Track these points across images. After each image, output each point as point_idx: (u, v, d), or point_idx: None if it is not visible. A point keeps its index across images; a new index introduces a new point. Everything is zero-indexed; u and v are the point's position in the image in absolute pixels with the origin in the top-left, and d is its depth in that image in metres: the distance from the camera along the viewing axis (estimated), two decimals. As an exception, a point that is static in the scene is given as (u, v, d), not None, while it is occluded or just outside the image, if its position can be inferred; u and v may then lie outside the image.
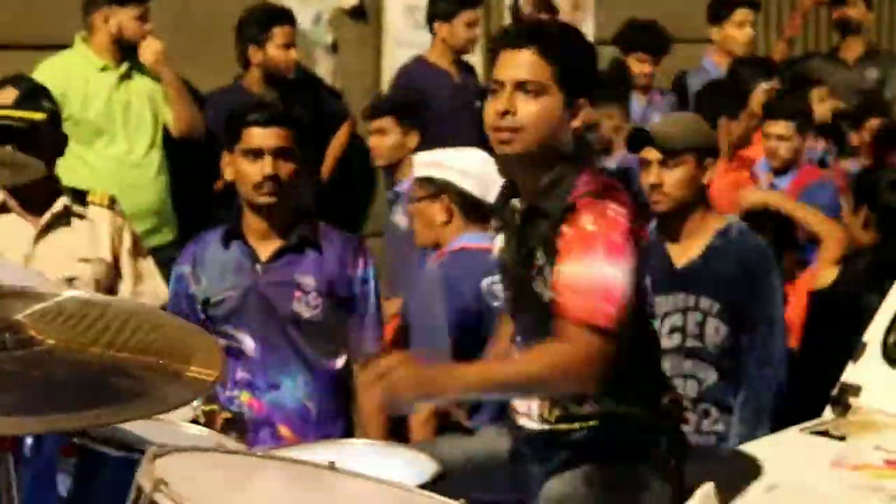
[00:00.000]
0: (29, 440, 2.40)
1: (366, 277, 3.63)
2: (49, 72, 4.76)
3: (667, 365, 3.35)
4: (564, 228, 2.62)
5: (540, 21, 2.94)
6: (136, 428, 2.38)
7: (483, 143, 3.15)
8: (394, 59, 6.62)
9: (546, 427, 2.79)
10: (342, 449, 2.79)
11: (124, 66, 5.06)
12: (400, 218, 4.83)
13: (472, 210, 3.78)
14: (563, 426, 2.77)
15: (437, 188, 3.80)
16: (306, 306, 3.53)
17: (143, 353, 1.92)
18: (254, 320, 3.53)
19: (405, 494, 2.17)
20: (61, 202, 3.70)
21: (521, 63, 2.71)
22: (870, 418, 3.11)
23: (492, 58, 2.83)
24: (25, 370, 1.81)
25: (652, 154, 3.63)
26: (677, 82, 6.26)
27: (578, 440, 2.75)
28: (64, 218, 3.71)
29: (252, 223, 3.55)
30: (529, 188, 2.75)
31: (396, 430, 3.64)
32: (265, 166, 3.47)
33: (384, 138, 5.01)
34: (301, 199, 3.83)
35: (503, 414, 2.99)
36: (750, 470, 3.03)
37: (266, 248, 3.56)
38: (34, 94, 3.74)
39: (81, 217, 3.73)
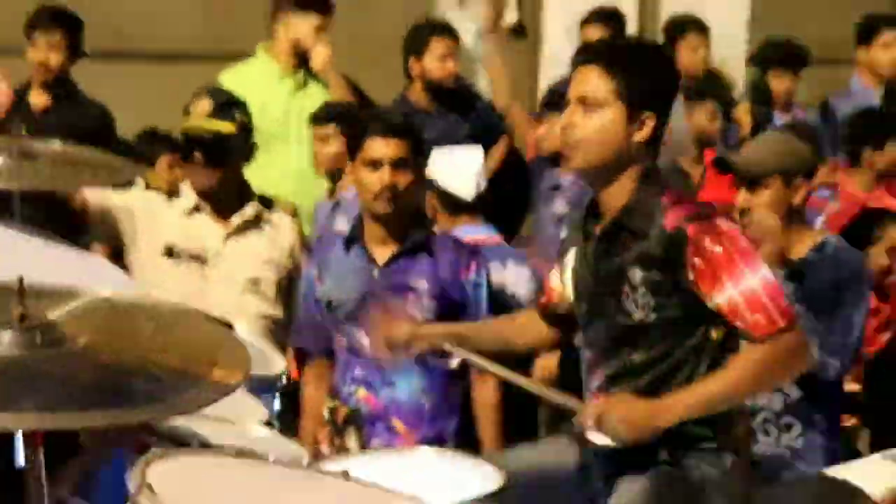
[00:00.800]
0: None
1: (478, 282, 3.61)
2: (231, 81, 4.86)
3: None
4: (696, 261, 2.58)
5: (613, 39, 2.84)
6: (203, 427, 2.36)
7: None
8: (550, 75, 6.55)
9: (611, 441, 2.67)
10: (413, 456, 2.73)
11: (300, 75, 5.14)
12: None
13: (454, 204, 3.86)
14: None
15: None
16: (419, 309, 3.48)
17: (169, 354, 1.89)
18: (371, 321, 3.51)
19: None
20: (252, 208, 3.86)
21: (583, 79, 2.65)
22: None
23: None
24: (54, 368, 1.78)
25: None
26: (824, 105, 5.97)
27: (644, 456, 2.63)
28: (253, 222, 3.86)
29: (370, 229, 3.55)
30: (610, 205, 2.65)
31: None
32: (383, 176, 3.44)
33: (326, 146, 4.72)
34: (419, 206, 3.80)
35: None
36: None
37: (383, 254, 3.55)
38: (226, 106, 3.86)
39: (268, 223, 3.88)
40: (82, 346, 1.80)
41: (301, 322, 3.69)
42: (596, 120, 2.61)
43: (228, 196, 3.84)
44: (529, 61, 6.97)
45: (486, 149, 5.32)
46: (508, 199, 5.68)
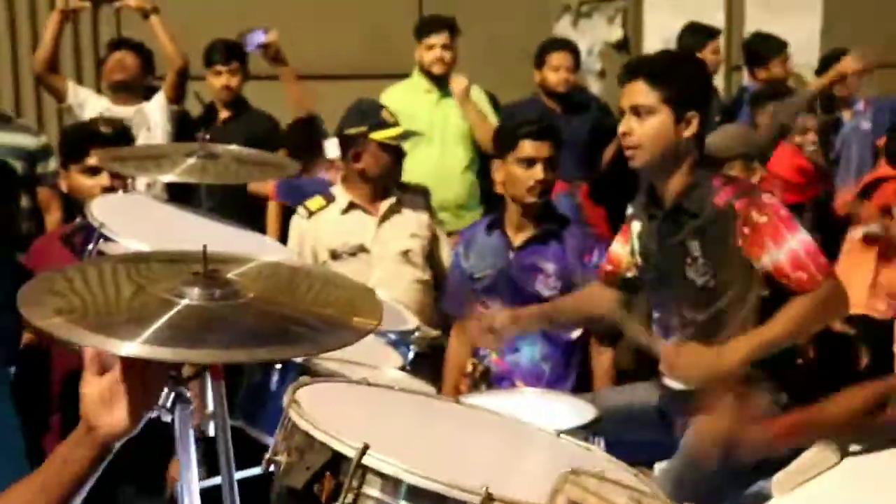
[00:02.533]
0: (275, 377, 2.59)
1: (598, 265, 3.63)
2: (389, 96, 5.12)
3: None
4: (745, 230, 2.69)
5: (650, 55, 2.95)
6: (349, 370, 2.54)
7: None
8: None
9: (686, 386, 2.80)
10: (516, 394, 2.88)
11: (441, 90, 5.27)
12: None
13: None
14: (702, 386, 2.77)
15: None
16: (546, 287, 3.63)
17: (318, 305, 2.08)
18: (504, 295, 3.67)
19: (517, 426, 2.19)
20: (394, 197, 4.09)
21: (633, 91, 2.78)
22: None
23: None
24: (230, 316, 1.95)
25: None
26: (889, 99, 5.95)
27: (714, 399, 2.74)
28: (396, 206, 4.07)
29: (511, 216, 3.69)
30: (670, 191, 2.78)
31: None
32: (537, 173, 3.60)
33: None
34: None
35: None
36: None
37: (519, 237, 3.68)
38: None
39: (406, 203, 4.12)
40: (252, 299, 1.97)
41: (449, 290, 3.90)
42: (649, 124, 2.75)
43: (377, 191, 4.08)
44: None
45: (603, 145, 5.50)
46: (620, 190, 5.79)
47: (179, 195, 4.00)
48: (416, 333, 3.03)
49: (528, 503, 1.66)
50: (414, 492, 1.74)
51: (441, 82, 5.27)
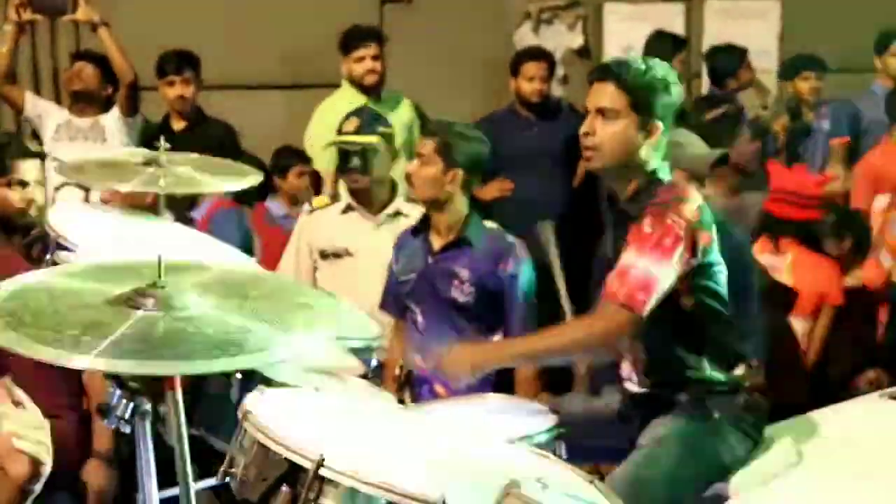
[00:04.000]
0: (236, 386, 2.56)
1: (514, 274, 3.65)
2: (324, 109, 5.11)
3: None
4: (632, 227, 2.65)
5: (621, 59, 2.91)
6: (308, 377, 2.51)
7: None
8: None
9: (644, 389, 2.82)
10: (480, 402, 2.88)
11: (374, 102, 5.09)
12: None
13: None
14: (656, 389, 2.80)
15: None
16: (461, 293, 3.61)
17: (275, 313, 2.07)
18: (423, 299, 3.67)
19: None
20: (395, 205, 4.06)
21: (601, 93, 2.75)
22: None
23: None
24: (185, 327, 1.92)
25: None
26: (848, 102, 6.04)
27: (670, 399, 2.77)
28: (394, 216, 4.03)
29: (436, 220, 3.68)
30: (621, 196, 2.78)
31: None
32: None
33: None
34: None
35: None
36: (827, 426, 2.95)
37: (438, 242, 3.68)
38: (371, 122, 4.08)
39: (406, 215, 4.02)
40: (208, 308, 1.96)
41: (386, 291, 3.82)
42: (613, 128, 2.73)
43: (378, 196, 4.08)
44: (592, 80, 7.03)
45: (578, 156, 5.46)
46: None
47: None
48: (378, 342, 3.02)
49: None
50: (370, 502, 1.75)
51: (373, 94, 5.15)
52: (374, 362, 2.92)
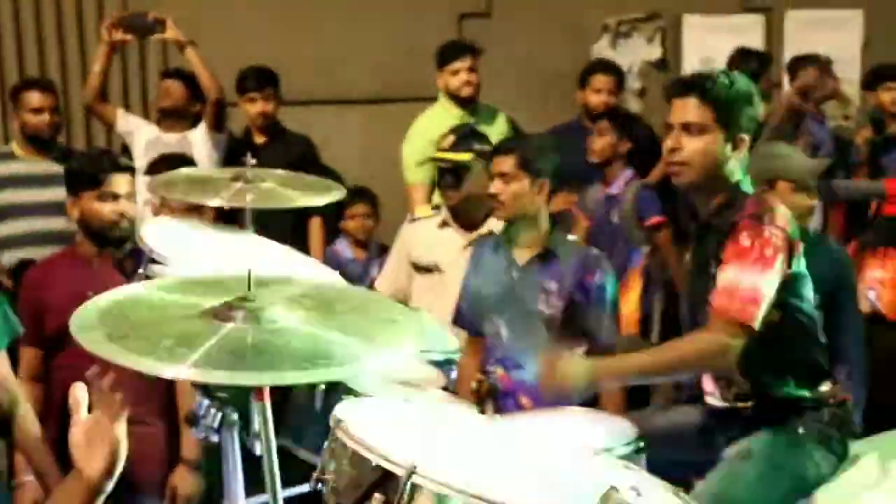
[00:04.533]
0: (320, 396, 2.59)
1: (602, 285, 3.65)
2: (421, 123, 5.15)
3: None
4: (728, 242, 2.63)
5: (702, 73, 2.88)
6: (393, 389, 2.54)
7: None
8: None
9: (726, 404, 2.80)
10: (561, 414, 2.87)
11: (472, 115, 5.17)
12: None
13: None
14: (739, 404, 2.77)
15: None
16: (547, 306, 3.61)
17: (360, 326, 2.10)
18: (508, 312, 3.65)
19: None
20: (489, 225, 3.98)
21: (685, 108, 2.73)
22: None
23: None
24: (273, 339, 1.96)
25: None
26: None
27: (752, 414, 2.74)
28: (488, 234, 3.95)
29: (518, 236, 3.68)
30: (705, 210, 2.77)
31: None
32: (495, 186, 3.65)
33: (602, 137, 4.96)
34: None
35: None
36: None
37: (522, 256, 3.67)
38: (466, 139, 4.08)
39: None
40: (295, 321, 2.00)
41: (462, 306, 3.80)
42: (700, 143, 2.72)
43: (470, 213, 4.04)
44: (672, 90, 6.99)
45: (649, 165, 5.40)
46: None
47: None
48: (457, 355, 3.04)
49: None
50: (459, 511, 1.75)
51: (469, 106, 5.20)
52: (453, 374, 2.94)
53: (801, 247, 2.74)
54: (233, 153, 4.97)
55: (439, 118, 5.07)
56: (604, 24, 6.97)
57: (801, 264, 2.73)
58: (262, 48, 5.80)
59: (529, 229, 3.66)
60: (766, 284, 2.60)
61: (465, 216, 4.04)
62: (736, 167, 2.76)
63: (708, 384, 2.86)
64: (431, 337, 2.97)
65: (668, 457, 2.76)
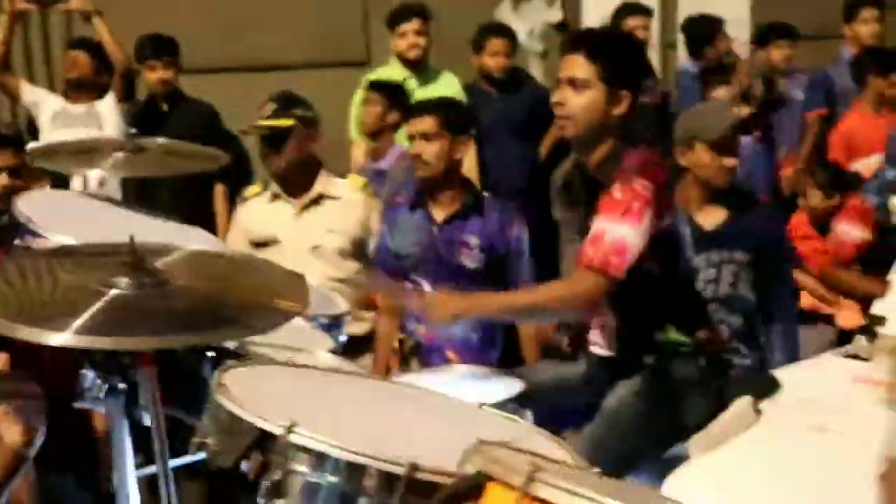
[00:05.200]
0: (208, 364, 2.54)
1: (520, 236, 3.70)
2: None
3: None
4: (603, 195, 2.66)
5: (591, 29, 2.91)
6: (279, 353, 2.51)
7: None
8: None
9: (611, 353, 2.85)
10: (451, 372, 2.90)
11: (419, 76, 5.18)
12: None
13: None
14: (623, 353, 2.82)
15: None
16: (471, 259, 3.63)
17: (244, 291, 2.11)
18: (430, 270, 3.65)
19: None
20: (316, 189, 3.86)
21: (572, 63, 2.75)
22: (892, 343, 2.97)
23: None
24: (158, 304, 1.98)
25: None
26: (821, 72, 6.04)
27: (632, 360, 2.79)
28: (316, 201, 3.86)
29: (435, 194, 3.67)
30: (591, 163, 2.80)
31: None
32: (413, 147, 3.66)
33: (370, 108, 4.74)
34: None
35: None
36: (784, 386, 2.95)
37: (441, 214, 3.68)
38: (286, 105, 3.86)
39: (335, 198, 3.86)
40: (179, 287, 2.00)
41: (377, 270, 3.78)
42: (583, 98, 2.74)
43: (297, 179, 3.87)
44: (573, 51, 7.01)
45: (542, 128, 5.36)
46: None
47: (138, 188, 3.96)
48: (346, 318, 3.03)
49: (448, 471, 1.69)
50: (341, 465, 1.76)
51: (418, 68, 5.20)
52: (342, 337, 2.93)
53: (674, 200, 2.78)
54: (138, 120, 4.88)
55: (388, 78, 5.04)
56: (505, -13, 6.96)
57: (676, 218, 2.78)
58: (169, 17, 5.69)
59: (449, 187, 3.67)
60: (632, 236, 2.63)
61: (292, 182, 3.90)
62: (615, 122, 2.78)
63: (594, 334, 2.90)
64: (316, 300, 2.97)
65: (558, 406, 2.82)
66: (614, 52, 2.79)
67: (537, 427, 2.25)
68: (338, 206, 3.87)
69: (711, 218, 3.56)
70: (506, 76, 5.46)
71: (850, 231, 4.87)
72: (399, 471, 1.71)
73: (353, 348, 3.50)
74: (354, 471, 1.74)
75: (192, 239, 2.71)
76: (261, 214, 3.94)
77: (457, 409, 2.15)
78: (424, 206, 3.71)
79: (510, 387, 2.71)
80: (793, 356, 3.50)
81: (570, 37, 2.83)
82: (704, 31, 6.05)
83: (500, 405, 2.60)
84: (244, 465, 1.83)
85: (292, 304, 2.09)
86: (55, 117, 5.06)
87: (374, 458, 1.74)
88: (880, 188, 5.10)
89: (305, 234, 3.81)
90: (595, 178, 2.78)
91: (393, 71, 5.20)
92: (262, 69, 6.14)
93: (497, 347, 3.74)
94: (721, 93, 5.25)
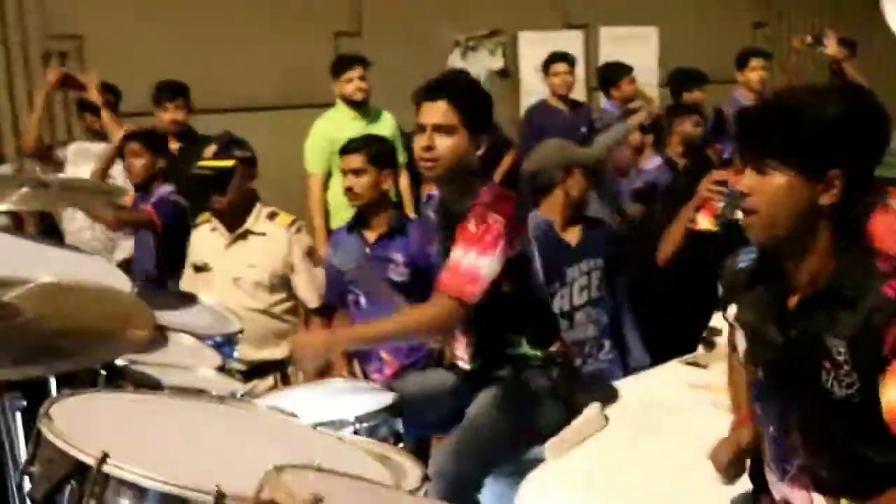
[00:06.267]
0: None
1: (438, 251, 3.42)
2: (321, 126, 4.83)
3: (581, 315, 3.16)
4: (460, 226, 2.39)
5: (449, 77, 2.61)
6: (160, 371, 2.20)
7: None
8: (526, 102, 6.42)
9: (473, 367, 2.54)
10: (326, 386, 2.59)
11: (364, 117, 4.92)
12: None
13: None
14: (483, 366, 2.53)
15: None
16: (397, 274, 3.39)
17: (92, 320, 1.80)
18: (365, 285, 3.43)
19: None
20: (246, 224, 3.52)
21: (435, 110, 2.45)
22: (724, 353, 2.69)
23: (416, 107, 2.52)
24: (4, 336, 1.70)
25: None
26: (717, 109, 5.70)
27: (494, 374, 2.50)
28: (242, 235, 3.51)
29: (368, 219, 3.46)
30: (451, 197, 2.50)
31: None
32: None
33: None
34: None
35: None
36: (631, 391, 2.71)
37: (372, 235, 3.46)
38: (227, 147, 3.46)
39: (260, 234, 3.51)
40: (27, 319, 1.73)
41: (327, 284, 3.55)
42: (450, 141, 2.44)
43: (234, 214, 3.51)
44: (513, 94, 6.78)
45: (497, 161, 5.15)
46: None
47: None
48: (238, 336, 2.72)
49: (250, 498, 1.40)
50: (151, 496, 1.47)
51: (362, 108, 4.92)
52: (236, 353, 2.63)
53: (526, 229, 2.50)
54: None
55: (337, 118, 4.87)
56: (455, 39, 6.72)
57: (527, 244, 2.48)
58: (174, 65, 5.33)
59: (378, 213, 3.45)
60: (486, 266, 2.35)
61: (230, 218, 3.55)
62: (475, 162, 2.48)
63: (459, 349, 2.60)
64: (213, 321, 2.67)
65: (426, 417, 2.52)
66: (473, 99, 2.50)
67: (384, 444, 1.96)
68: (261, 241, 3.52)
69: (573, 235, 3.31)
70: None
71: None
72: (208, 499, 1.42)
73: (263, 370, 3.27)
74: (166, 501, 1.45)
75: (86, 268, 2.35)
76: (203, 242, 3.62)
77: (290, 431, 1.83)
78: (359, 229, 3.49)
79: (381, 398, 2.39)
80: (645, 355, 3.24)
81: (430, 85, 2.51)
82: (612, 75, 5.76)
83: (372, 415, 2.31)
84: (58, 497, 1.53)
85: (138, 332, 1.78)
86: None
87: (183, 487, 1.44)
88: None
89: (231, 265, 3.49)
90: (455, 212, 2.47)
91: (340, 112, 4.93)
92: (234, 110, 5.85)
93: (423, 348, 3.39)
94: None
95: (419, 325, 2.39)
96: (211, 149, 3.47)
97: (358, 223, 3.51)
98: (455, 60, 6.64)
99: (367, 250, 3.45)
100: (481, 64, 6.76)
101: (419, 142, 2.48)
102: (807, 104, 1.58)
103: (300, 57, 5.87)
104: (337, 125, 4.77)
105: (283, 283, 3.52)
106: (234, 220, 3.53)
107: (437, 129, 2.45)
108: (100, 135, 4.74)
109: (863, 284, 1.56)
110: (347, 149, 3.50)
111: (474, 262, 2.34)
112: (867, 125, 1.58)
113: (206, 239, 3.60)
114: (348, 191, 3.43)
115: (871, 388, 1.54)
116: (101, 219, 3.71)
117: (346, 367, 3.35)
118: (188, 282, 3.57)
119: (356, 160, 3.41)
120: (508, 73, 6.80)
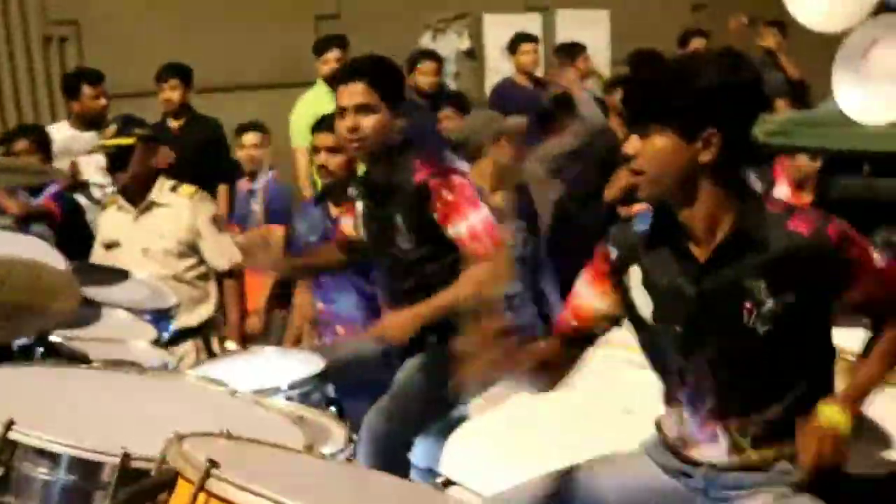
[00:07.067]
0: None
1: None
2: (302, 104, 4.77)
3: None
4: (437, 205, 2.33)
5: (362, 59, 2.48)
6: (91, 345, 2.07)
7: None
8: (491, 81, 6.33)
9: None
10: (259, 353, 2.51)
11: None
12: None
13: None
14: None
15: None
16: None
17: (15, 293, 1.71)
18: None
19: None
20: (149, 198, 3.34)
21: (356, 92, 2.36)
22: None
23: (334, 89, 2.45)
24: None
25: None
26: None
27: (422, 339, 2.38)
28: (147, 207, 3.34)
29: (333, 194, 3.26)
30: (380, 172, 2.39)
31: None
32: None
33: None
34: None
35: None
36: None
37: (335, 210, 3.26)
38: (126, 125, 3.29)
39: (165, 206, 3.33)
40: None
41: (285, 245, 3.43)
42: (373, 120, 2.36)
43: (138, 189, 3.34)
44: (478, 74, 6.64)
45: None
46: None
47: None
48: (175, 310, 2.61)
49: (154, 458, 1.36)
50: (60, 460, 1.42)
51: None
52: (171, 327, 2.52)
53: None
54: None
55: (317, 97, 4.79)
56: (425, 23, 6.57)
57: None
58: (170, 47, 5.16)
59: (345, 189, 3.15)
60: (484, 213, 2.35)
61: (134, 193, 3.37)
62: (398, 135, 2.40)
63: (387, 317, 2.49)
64: (148, 294, 2.57)
65: (357, 381, 2.45)
66: (388, 76, 2.43)
67: (313, 409, 1.87)
68: (166, 211, 3.35)
69: (498, 199, 3.27)
70: (434, 91, 5.26)
71: None
72: (114, 460, 1.37)
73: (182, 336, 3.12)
74: (71, 463, 1.40)
75: (18, 247, 2.23)
76: (110, 221, 3.46)
77: (208, 397, 1.75)
78: (325, 203, 3.36)
79: (312, 364, 2.31)
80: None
81: (347, 67, 2.39)
82: (567, 54, 5.62)
83: (303, 382, 2.25)
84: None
85: (65, 305, 1.69)
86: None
87: (88, 450, 1.40)
88: None
89: (140, 237, 3.33)
90: (385, 185, 2.37)
91: (319, 90, 4.84)
92: (224, 90, 5.70)
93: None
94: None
95: (488, 281, 2.29)
96: (111, 128, 3.33)
97: (325, 196, 3.38)
98: (427, 41, 6.50)
99: (329, 224, 3.30)
100: (450, 45, 6.66)
101: (343, 124, 2.40)
102: (683, 71, 1.60)
103: (287, 39, 5.74)
104: (319, 102, 4.64)
105: (191, 249, 3.37)
106: (138, 195, 3.36)
107: (359, 109, 2.37)
108: (86, 120, 4.47)
109: (765, 225, 1.59)
110: (320, 126, 3.32)
111: (479, 217, 2.33)
112: (741, 88, 1.58)
113: (113, 218, 3.45)
114: (321, 168, 3.25)
115: (791, 317, 1.58)
116: (7, 206, 3.54)
117: (314, 337, 3.26)
118: (99, 262, 3.38)
119: (329, 138, 3.16)
120: (475, 53, 6.68)
